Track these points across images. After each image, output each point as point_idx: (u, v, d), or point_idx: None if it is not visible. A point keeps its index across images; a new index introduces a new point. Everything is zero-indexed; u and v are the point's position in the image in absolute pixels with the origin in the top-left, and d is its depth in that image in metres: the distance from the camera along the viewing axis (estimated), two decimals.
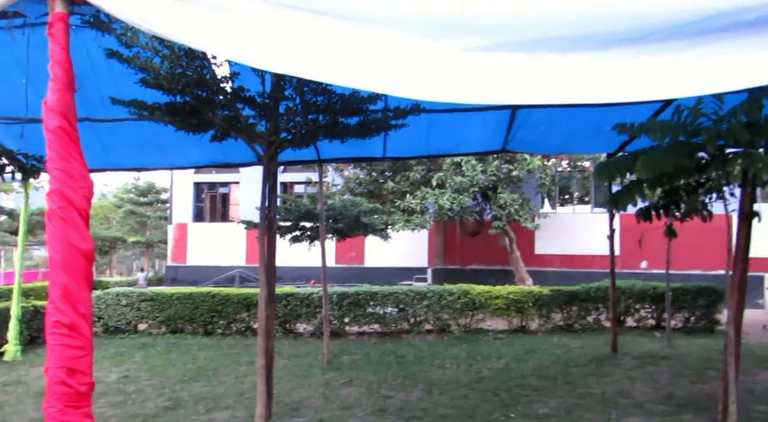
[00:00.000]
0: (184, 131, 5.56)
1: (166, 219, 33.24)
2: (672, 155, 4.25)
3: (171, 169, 18.96)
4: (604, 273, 9.87)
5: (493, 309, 11.35)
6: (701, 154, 4.66)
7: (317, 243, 12.04)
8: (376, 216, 13.39)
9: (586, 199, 22.02)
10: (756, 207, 4.76)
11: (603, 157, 11.06)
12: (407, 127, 6.33)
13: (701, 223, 5.50)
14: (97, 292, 11.61)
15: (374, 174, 18.29)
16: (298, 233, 12.36)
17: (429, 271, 22.15)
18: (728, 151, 4.62)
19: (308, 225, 12.14)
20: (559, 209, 22.10)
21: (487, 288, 11.70)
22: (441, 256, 22.02)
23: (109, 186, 47.65)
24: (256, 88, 5.33)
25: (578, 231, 20.29)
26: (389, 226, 15.10)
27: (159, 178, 39.80)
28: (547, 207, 21.32)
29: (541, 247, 20.72)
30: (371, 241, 21.62)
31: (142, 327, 11.65)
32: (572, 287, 11.67)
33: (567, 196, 22.84)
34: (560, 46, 2.15)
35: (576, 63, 2.15)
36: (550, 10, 2.09)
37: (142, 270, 33.82)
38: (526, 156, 14.82)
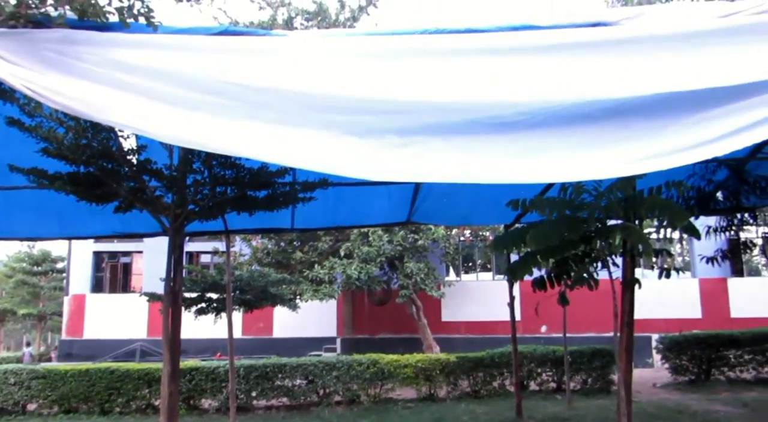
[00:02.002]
0: (86, 201, 5.45)
1: (62, 290, 31.19)
2: (558, 228, 4.63)
3: (71, 238, 18.09)
4: (509, 339, 10.23)
5: (402, 378, 11.38)
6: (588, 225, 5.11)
7: (224, 314, 11.75)
8: (284, 286, 13.30)
9: (489, 266, 22.82)
10: (639, 273, 5.21)
11: (502, 227, 11.64)
12: (315, 199, 6.50)
13: (594, 289, 5.93)
14: None
15: (283, 244, 18.22)
16: (203, 305, 12.03)
17: (338, 341, 21.93)
18: (609, 223, 5.09)
19: (214, 296, 11.86)
20: (464, 277, 22.71)
21: (395, 357, 11.76)
22: (350, 326, 21.93)
23: None
24: (163, 160, 5.35)
25: (482, 298, 20.88)
26: (298, 297, 14.98)
27: (55, 246, 37.57)
28: (452, 275, 21.86)
29: (448, 315, 21.08)
30: (280, 312, 21.24)
31: (31, 407, 10.77)
32: (477, 353, 11.93)
33: (471, 264, 23.56)
34: (451, 130, 2.40)
35: (463, 144, 2.41)
36: (441, 99, 2.35)
37: (27, 344, 31.26)
38: (431, 226, 15.33)
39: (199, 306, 11.99)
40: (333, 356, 12.25)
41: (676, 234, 18.78)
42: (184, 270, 12.23)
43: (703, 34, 2.33)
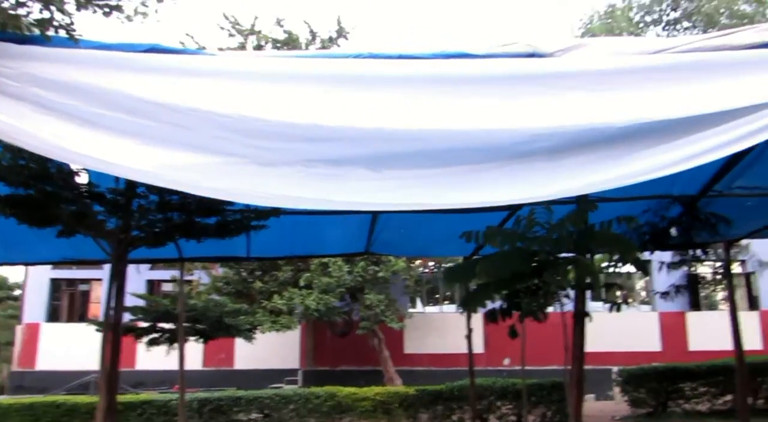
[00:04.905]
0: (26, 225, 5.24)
1: (17, 319, 30.06)
2: (509, 261, 4.59)
3: (15, 264, 17.47)
4: (475, 371, 10.12)
5: (360, 412, 11.17)
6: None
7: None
8: (242, 316, 13.03)
9: (453, 298, 22.74)
10: (599, 306, 5.21)
11: (461, 259, 11.62)
12: (271, 227, 6.38)
13: (556, 321, 5.91)
14: None
15: (244, 273, 17.92)
16: (156, 335, 11.67)
17: (300, 373, 21.49)
18: (561, 256, 5.07)
19: (167, 326, 11.53)
20: (428, 308, 22.57)
21: (354, 389, 11.57)
22: (311, 358, 21.55)
23: None
24: (108, 183, 5.19)
25: (445, 330, 20.73)
26: (257, 327, 14.69)
27: (13, 272, 36.28)
28: (419, 306, 21.73)
29: (411, 347, 20.87)
30: (241, 343, 20.82)
31: None
32: (437, 386, 11.80)
33: (437, 296, 23.46)
34: (378, 158, 2.34)
35: (391, 174, 2.35)
36: (368, 126, 2.28)
37: None
38: (391, 257, 15.24)
39: (151, 336, 11.64)
40: (291, 389, 11.97)
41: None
42: (140, 298, 11.93)
43: (637, 70, 2.33)
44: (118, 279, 5.37)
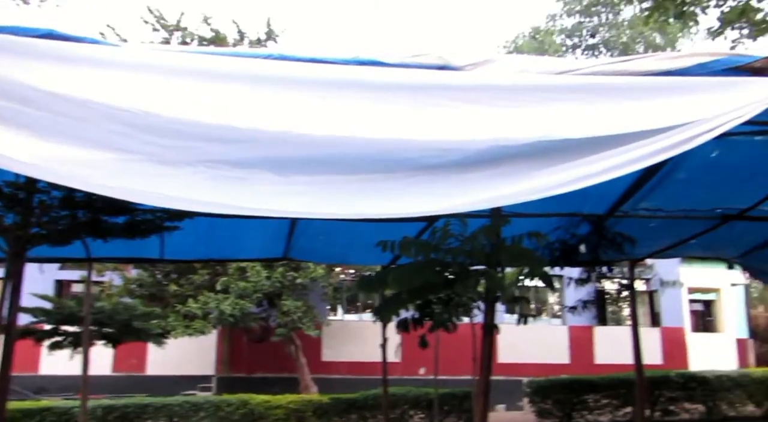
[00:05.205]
0: None
1: None
2: (421, 271, 4.63)
3: None
4: (391, 379, 10.16)
5: (273, 420, 11.00)
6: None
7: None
8: (153, 320, 12.55)
9: (374, 307, 22.79)
10: (510, 318, 5.31)
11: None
12: (186, 229, 6.18)
13: (470, 331, 5.98)
14: None
15: (158, 275, 17.31)
16: (59, 338, 11.05)
17: (214, 380, 20.91)
18: (473, 268, 5.16)
19: (71, 329, 10.95)
20: (347, 316, 22.52)
21: (267, 397, 11.39)
22: (227, 364, 21.01)
23: None
24: (8, 177, 4.88)
25: (364, 339, 20.72)
26: (169, 332, 14.19)
27: None
28: (340, 313, 21.64)
29: (329, 354, 20.74)
30: (154, 348, 20.06)
31: None
32: (351, 394, 11.78)
33: (358, 304, 23.44)
34: (286, 163, 2.30)
35: (297, 179, 2.32)
36: (277, 129, 2.24)
37: None
38: (311, 264, 15.14)
39: (54, 339, 11.01)
40: (203, 396, 11.64)
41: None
42: (42, 300, 11.27)
43: (541, 88, 2.40)
44: (13, 279, 5.05)
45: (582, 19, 20.15)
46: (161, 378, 20.53)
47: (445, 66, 2.44)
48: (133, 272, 17.76)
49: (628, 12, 14.21)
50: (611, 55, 18.78)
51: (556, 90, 2.41)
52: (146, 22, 17.94)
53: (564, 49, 20.15)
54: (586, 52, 20.01)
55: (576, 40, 20.11)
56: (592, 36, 19.83)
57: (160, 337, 12.80)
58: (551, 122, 2.37)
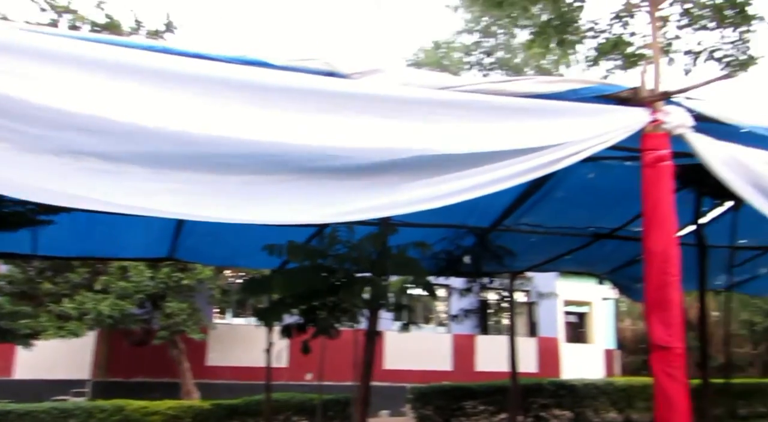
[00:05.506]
0: None
1: None
2: (306, 276, 4.62)
3: None
4: (277, 385, 10.01)
5: None
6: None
7: None
8: (22, 320, 11.72)
9: None
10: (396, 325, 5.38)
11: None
12: (62, 224, 5.81)
13: (357, 339, 6.00)
14: None
15: (31, 272, 16.14)
16: None
17: (90, 384, 19.69)
18: (359, 275, 5.21)
19: None
20: (235, 320, 22.01)
21: (144, 403, 10.94)
22: (104, 368, 19.86)
23: None
24: None
25: (252, 343, 20.31)
26: (39, 333, 13.26)
27: None
28: (229, 317, 21.09)
29: (214, 359, 20.16)
30: (23, 350, 18.64)
31: None
32: (233, 400, 11.54)
33: (248, 307, 22.95)
34: (163, 160, 2.23)
35: (176, 178, 2.25)
36: (156, 126, 2.16)
37: None
38: (198, 265, 14.69)
39: None
40: (75, 402, 10.97)
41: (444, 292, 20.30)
42: None
43: (423, 102, 2.46)
44: None
45: (480, 39, 21.01)
46: (31, 382, 19.07)
47: (333, 72, 2.45)
48: (2, 268, 16.46)
49: (523, 35, 15.05)
50: (505, 75, 19.70)
51: (438, 104, 2.48)
52: (33, 1, 16.77)
53: (463, 65, 20.89)
54: (483, 71, 20.86)
55: (474, 57, 20.92)
56: (488, 55, 20.71)
57: (28, 339, 11.98)
58: (433, 136, 2.44)
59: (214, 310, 20.23)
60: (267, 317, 5.45)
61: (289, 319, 5.69)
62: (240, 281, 19.21)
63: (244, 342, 20.34)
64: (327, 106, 2.36)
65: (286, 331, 5.40)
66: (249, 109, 2.26)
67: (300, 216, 2.46)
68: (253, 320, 22.20)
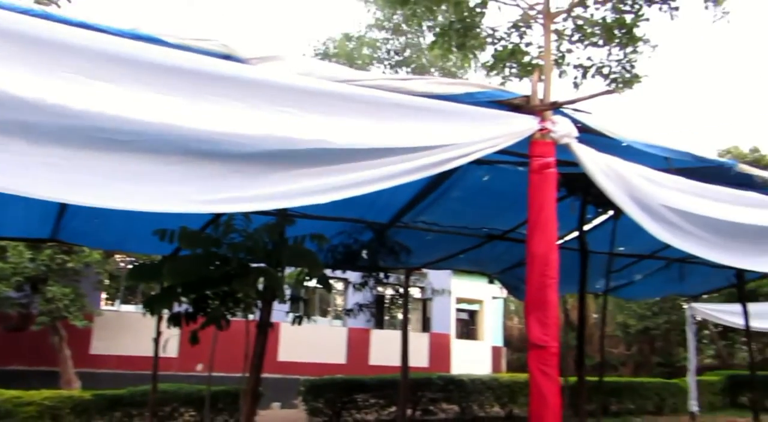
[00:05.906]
0: None
1: None
2: (198, 264, 4.48)
3: None
4: (165, 376, 9.65)
5: (23, 418, 9.88)
6: None
7: None
8: None
9: None
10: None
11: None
12: None
13: (251, 330, 5.87)
14: None
15: None
16: None
17: None
18: (253, 265, 5.11)
19: None
20: (124, 307, 21.06)
21: (18, 392, 10.24)
22: None
23: None
24: None
25: (141, 331, 19.47)
26: None
27: None
28: (117, 304, 20.13)
29: (99, 347, 19.19)
30: None
31: None
32: (117, 391, 11.03)
33: (138, 294, 22.00)
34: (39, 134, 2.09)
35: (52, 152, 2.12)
36: (29, 96, 2.02)
37: None
38: (85, 248, 13.93)
39: None
40: None
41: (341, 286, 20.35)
42: None
43: (321, 93, 2.46)
44: None
45: (390, 36, 21.20)
46: None
47: (230, 56, 2.39)
48: None
49: (430, 37, 15.37)
50: (410, 74, 20.02)
51: (337, 97, 2.48)
52: None
53: (372, 61, 20.99)
54: (391, 68, 21.05)
55: (382, 54, 21.10)
56: (397, 54, 20.94)
57: None
58: (329, 128, 2.44)
59: (103, 296, 19.29)
60: (155, 305, 5.25)
61: (180, 308, 5.53)
62: (130, 266, 18.37)
63: (132, 331, 19.48)
64: (221, 90, 2.30)
65: (175, 320, 5.22)
66: (136, 86, 2.16)
67: (185, 204, 2.38)
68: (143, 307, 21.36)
